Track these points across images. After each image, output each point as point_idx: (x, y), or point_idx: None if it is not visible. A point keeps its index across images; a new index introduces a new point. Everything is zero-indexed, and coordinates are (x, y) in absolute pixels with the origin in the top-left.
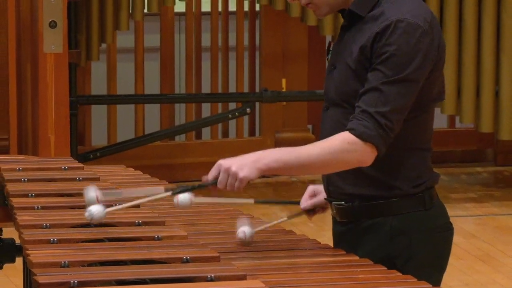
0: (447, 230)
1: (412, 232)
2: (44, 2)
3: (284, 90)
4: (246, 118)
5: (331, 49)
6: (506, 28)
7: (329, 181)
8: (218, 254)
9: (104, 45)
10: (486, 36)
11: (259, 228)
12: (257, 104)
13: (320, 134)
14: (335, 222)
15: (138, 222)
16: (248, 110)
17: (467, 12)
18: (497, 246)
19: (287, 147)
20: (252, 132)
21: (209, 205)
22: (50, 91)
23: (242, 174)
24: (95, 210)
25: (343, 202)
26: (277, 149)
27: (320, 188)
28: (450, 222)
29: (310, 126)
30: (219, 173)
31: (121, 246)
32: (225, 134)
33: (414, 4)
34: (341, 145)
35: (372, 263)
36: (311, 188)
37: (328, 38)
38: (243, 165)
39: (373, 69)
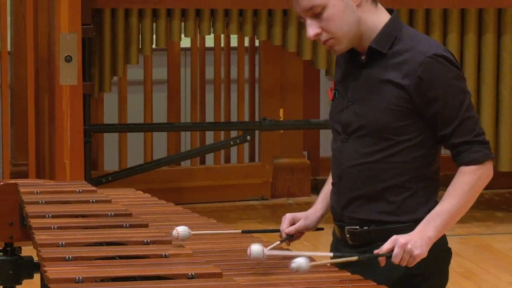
0: (449, 254)
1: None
2: (61, 38)
3: (281, 119)
4: (246, 145)
5: (337, 87)
6: (504, 61)
7: (343, 208)
8: (220, 271)
9: (115, 78)
10: (486, 71)
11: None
12: (256, 132)
13: (336, 166)
14: (344, 245)
15: (147, 241)
16: (248, 137)
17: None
18: (479, 264)
19: (437, 210)
20: (252, 158)
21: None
22: (66, 120)
23: (416, 252)
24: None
25: (357, 227)
26: (432, 216)
27: (298, 215)
28: (449, 248)
29: (305, 152)
30: (393, 247)
31: (131, 263)
32: (227, 159)
33: (429, 38)
34: (473, 179)
35: (363, 278)
36: (289, 216)
37: (322, 71)
38: (417, 243)
39: (443, 108)
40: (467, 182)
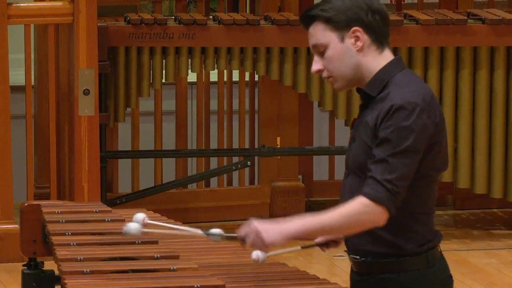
0: (448, 284)
1: (419, 286)
2: (79, 73)
3: (278, 146)
4: (247, 170)
5: (354, 124)
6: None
7: (347, 237)
8: (223, 283)
9: (129, 109)
10: (463, 102)
11: (273, 253)
12: (256, 158)
13: (341, 197)
14: (352, 270)
15: (157, 256)
16: (248, 163)
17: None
18: (457, 277)
19: (313, 215)
20: (252, 181)
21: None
22: (84, 147)
23: (267, 238)
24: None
25: (358, 257)
26: (303, 217)
27: None
28: (450, 275)
29: (300, 176)
30: (248, 231)
31: (142, 276)
32: (230, 183)
33: (416, 85)
34: (358, 208)
35: None
36: None
37: (315, 103)
38: (270, 229)
39: (379, 143)
40: (354, 209)
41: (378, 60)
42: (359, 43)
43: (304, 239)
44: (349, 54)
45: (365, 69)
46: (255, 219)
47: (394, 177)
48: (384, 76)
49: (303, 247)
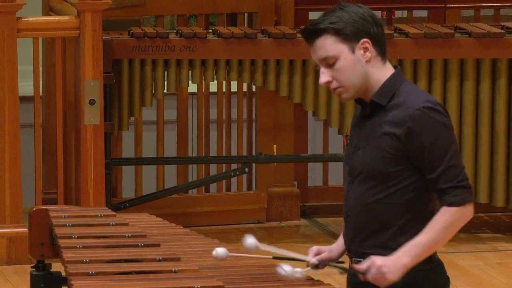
0: (447, 284)
1: (420, 287)
2: (85, 84)
3: (275, 153)
4: (245, 176)
5: (348, 134)
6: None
7: (350, 241)
8: (222, 284)
9: (132, 118)
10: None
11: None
12: (253, 164)
13: (345, 204)
14: (352, 273)
15: (159, 258)
16: (246, 169)
17: None
18: None
19: (417, 241)
20: (249, 187)
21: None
22: (90, 155)
23: (389, 276)
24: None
25: (361, 260)
26: (412, 245)
27: (323, 248)
28: (447, 276)
29: (295, 182)
30: (370, 266)
31: (145, 277)
32: (228, 188)
33: (424, 92)
34: (452, 217)
35: None
36: (315, 248)
37: (310, 113)
38: (392, 268)
39: (430, 153)
40: (446, 219)
41: (383, 70)
42: (368, 54)
43: (414, 265)
44: (359, 64)
45: (373, 79)
46: (376, 256)
47: (462, 174)
48: (391, 86)
49: (274, 258)
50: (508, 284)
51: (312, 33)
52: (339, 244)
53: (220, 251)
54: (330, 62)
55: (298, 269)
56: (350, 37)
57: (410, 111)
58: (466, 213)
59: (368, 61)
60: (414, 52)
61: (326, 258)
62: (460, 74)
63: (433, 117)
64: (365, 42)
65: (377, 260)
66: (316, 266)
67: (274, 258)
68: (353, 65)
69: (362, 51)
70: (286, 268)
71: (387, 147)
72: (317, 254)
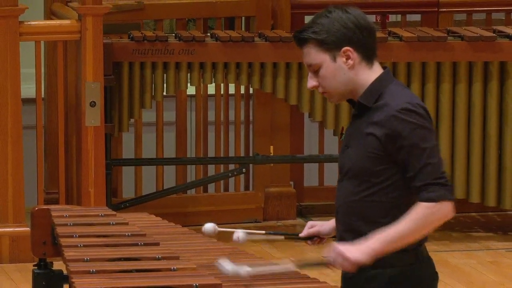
0: (434, 279)
1: (407, 281)
2: (86, 86)
3: (271, 154)
4: (242, 176)
5: (343, 132)
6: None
7: (339, 237)
8: (220, 282)
9: (132, 120)
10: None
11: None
12: (250, 165)
13: (336, 199)
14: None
15: (158, 256)
16: (244, 170)
17: None
18: None
19: (387, 229)
20: (247, 187)
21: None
22: (91, 156)
23: (353, 259)
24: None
25: None
26: (382, 232)
27: (317, 223)
28: (436, 271)
29: (292, 182)
30: (332, 253)
31: (145, 275)
32: (226, 188)
33: (410, 93)
34: (426, 211)
35: None
36: (310, 223)
37: (306, 114)
38: (352, 248)
39: (409, 151)
40: (418, 212)
41: (369, 74)
42: (350, 61)
43: (387, 251)
44: (341, 72)
45: (358, 83)
46: (337, 242)
47: (440, 171)
48: (378, 87)
49: (266, 233)
50: (500, 282)
51: (297, 41)
52: (333, 221)
53: (208, 226)
54: (315, 69)
55: (246, 268)
56: (331, 46)
57: (390, 113)
58: (441, 209)
59: (351, 68)
60: (408, 55)
61: (316, 232)
62: (452, 76)
63: (409, 119)
64: (347, 50)
65: (338, 246)
66: (309, 239)
67: (267, 233)
68: (334, 73)
69: (344, 59)
70: (227, 267)
71: (370, 147)
72: (311, 227)
